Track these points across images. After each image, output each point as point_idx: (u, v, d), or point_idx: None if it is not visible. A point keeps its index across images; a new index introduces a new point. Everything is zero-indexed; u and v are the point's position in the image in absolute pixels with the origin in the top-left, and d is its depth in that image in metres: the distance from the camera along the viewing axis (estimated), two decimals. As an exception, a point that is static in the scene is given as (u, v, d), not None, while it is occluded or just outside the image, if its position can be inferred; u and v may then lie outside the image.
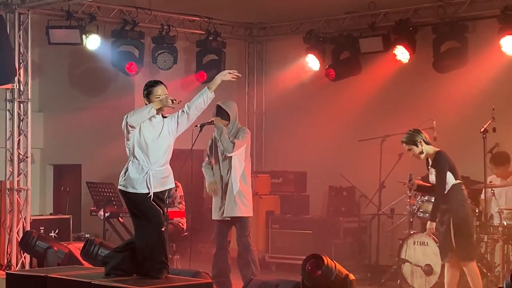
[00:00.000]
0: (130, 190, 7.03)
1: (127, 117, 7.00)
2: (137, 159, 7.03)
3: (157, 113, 7.05)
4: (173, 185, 7.34)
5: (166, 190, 7.26)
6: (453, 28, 10.70)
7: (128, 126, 6.99)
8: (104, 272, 7.18)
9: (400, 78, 11.33)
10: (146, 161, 7.02)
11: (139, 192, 7.01)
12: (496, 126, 8.70)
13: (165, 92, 7.08)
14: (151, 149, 7.02)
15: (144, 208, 7.03)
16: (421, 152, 7.76)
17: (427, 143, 7.82)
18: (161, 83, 7.16)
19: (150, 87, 7.12)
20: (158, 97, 7.02)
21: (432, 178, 7.82)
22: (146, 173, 7.01)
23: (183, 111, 7.12)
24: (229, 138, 8.47)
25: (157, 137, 7.04)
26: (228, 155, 8.50)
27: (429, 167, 7.85)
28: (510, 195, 9.18)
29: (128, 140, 7.07)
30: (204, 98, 7.14)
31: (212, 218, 8.74)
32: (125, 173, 7.08)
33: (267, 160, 12.96)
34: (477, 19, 10.71)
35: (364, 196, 11.10)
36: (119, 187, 7.12)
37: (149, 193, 7.00)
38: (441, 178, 7.71)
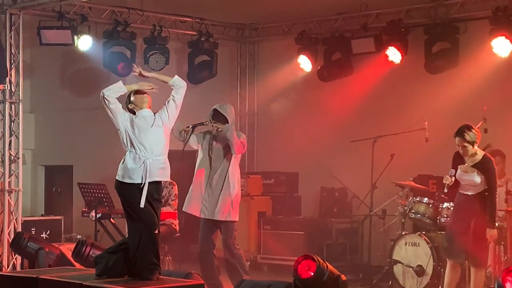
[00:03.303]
0: (127, 180, 7.10)
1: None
2: (134, 147, 7.15)
3: (145, 108, 7.23)
4: (168, 178, 7.41)
5: (162, 189, 7.41)
6: (444, 29, 10.73)
7: (103, 99, 7.14)
8: (95, 273, 7.18)
9: (392, 79, 11.34)
10: (143, 150, 7.13)
11: (135, 182, 7.06)
12: (487, 127, 8.72)
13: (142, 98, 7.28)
14: (145, 137, 7.14)
15: (139, 209, 7.05)
16: (475, 154, 7.73)
17: None
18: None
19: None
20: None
21: (467, 177, 7.77)
22: (143, 162, 7.09)
23: (168, 100, 7.30)
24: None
25: (150, 126, 7.19)
26: (235, 155, 8.49)
27: (466, 165, 7.78)
28: (502, 196, 9.20)
29: (119, 130, 7.21)
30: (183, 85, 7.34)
31: (183, 209, 8.69)
32: (122, 163, 7.18)
33: (259, 161, 12.96)
34: (469, 20, 10.74)
35: (356, 196, 11.11)
36: (116, 177, 7.19)
37: (144, 183, 7.03)
38: (495, 182, 7.75)
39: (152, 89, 7.31)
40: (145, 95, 7.29)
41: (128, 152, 7.18)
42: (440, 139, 9.69)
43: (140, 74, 7.39)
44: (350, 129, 11.51)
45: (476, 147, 7.75)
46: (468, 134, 7.64)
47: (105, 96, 7.14)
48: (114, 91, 7.17)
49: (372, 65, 11.43)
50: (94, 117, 12.50)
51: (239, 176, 8.68)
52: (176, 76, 7.34)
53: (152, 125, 7.19)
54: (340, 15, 11.77)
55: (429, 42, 10.83)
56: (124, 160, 7.19)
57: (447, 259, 8.08)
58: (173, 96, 7.29)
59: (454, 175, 7.84)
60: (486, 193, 7.72)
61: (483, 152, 7.83)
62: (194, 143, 8.67)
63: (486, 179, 7.68)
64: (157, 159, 7.17)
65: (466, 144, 7.65)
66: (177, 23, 12.09)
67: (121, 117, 7.19)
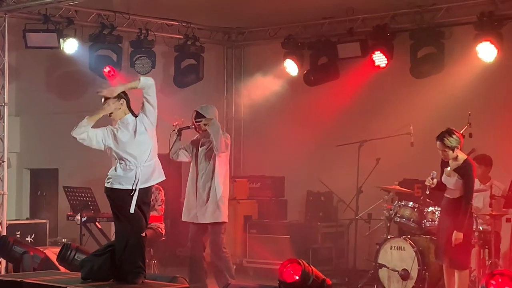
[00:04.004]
0: (116, 186, 7.05)
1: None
2: (123, 160, 7.08)
3: (122, 117, 7.10)
4: (163, 177, 7.29)
5: (151, 193, 7.40)
6: (430, 34, 10.78)
7: (78, 140, 7.07)
8: (80, 277, 7.15)
9: (378, 84, 11.38)
10: (132, 161, 7.06)
11: (125, 188, 7.02)
12: (472, 132, 8.76)
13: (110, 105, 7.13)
14: (132, 147, 7.06)
15: (128, 213, 7.02)
16: (455, 158, 7.76)
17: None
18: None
19: None
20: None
21: (450, 180, 7.82)
22: (134, 170, 7.04)
23: (143, 103, 7.13)
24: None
25: (133, 136, 7.08)
26: (218, 154, 8.50)
27: (449, 169, 7.83)
28: (487, 200, 9.24)
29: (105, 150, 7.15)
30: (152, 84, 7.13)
31: (182, 220, 8.73)
32: (113, 171, 7.13)
33: (245, 165, 12.96)
34: (454, 25, 10.80)
35: (341, 201, 11.13)
36: (106, 184, 7.12)
37: (134, 190, 7.00)
38: (470, 187, 7.76)
39: (119, 108, 7.09)
40: (114, 112, 7.14)
41: (118, 163, 7.11)
42: (426, 144, 9.70)
43: (105, 96, 7.18)
44: (336, 133, 11.53)
45: (458, 151, 7.78)
46: (448, 139, 7.69)
47: (78, 139, 7.08)
48: (83, 130, 7.08)
49: (358, 69, 11.46)
50: (79, 120, 12.37)
51: (227, 176, 8.70)
52: (141, 78, 7.12)
53: (135, 133, 7.08)
54: (326, 20, 11.80)
55: (415, 47, 10.88)
56: (115, 169, 7.11)
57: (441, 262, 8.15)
58: (145, 98, 7.10)
59: (438, 178, 7.88)
60: None
61: (465, 157, 7.86)
62: (183, 156, 8.70)
63: (463, 184, 7.73)
64: (147, 165, 7.10)
65: (446, 149, 7.71)
66: (164, 26, 12.08)
67: (103, 140, 7.10)
